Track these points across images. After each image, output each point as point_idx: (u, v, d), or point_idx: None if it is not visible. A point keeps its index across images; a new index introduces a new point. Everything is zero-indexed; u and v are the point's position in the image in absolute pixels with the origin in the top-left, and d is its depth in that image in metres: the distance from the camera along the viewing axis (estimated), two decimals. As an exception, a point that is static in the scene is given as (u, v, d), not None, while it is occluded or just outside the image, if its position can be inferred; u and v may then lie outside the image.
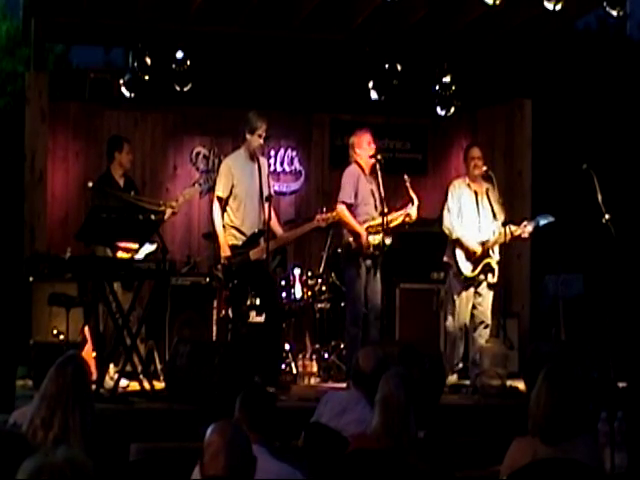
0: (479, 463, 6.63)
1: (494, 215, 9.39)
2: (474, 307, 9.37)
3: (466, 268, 9.29)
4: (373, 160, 9.21)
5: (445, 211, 9.43)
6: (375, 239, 9.11)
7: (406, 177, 9.22)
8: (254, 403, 4.36)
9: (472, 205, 9.40)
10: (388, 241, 9.10)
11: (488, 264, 9.31)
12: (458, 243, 9.32)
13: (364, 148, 9.26)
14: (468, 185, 9.44)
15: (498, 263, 9.39)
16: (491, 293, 9.40)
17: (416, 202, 9.21)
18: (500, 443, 4.93)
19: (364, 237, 9.11)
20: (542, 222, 9.36)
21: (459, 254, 9.30)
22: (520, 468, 4.43)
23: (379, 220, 9.07)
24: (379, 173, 9.14)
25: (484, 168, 9.39)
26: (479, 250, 9.28)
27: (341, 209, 9.23)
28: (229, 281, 8.81)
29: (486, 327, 9.39)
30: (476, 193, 9.42)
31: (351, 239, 9.22)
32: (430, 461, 4.70)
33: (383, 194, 9.16)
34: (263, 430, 4.26)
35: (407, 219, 9.28)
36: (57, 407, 4.33)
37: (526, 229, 9.35)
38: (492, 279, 9.35)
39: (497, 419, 7.91)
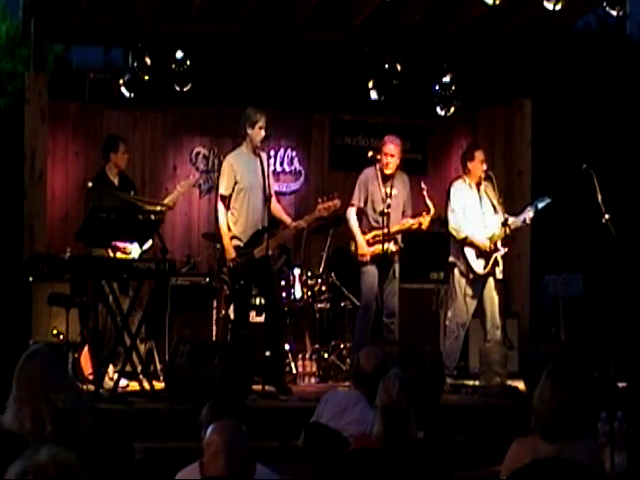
0: (479, 463, 6.64)
1: (494, 209, 9.40)
2: (483, 309, 9.32)
3: (478, 266, 9.22)
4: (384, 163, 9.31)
5: (449, 213, 9.38)
6: (380, 248, 9.17)
7: (423, 185, 9.30)
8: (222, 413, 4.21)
9: (475, 204, 9.38)
10: (394, 247, 9.18)
11: (496, 258, 9.28)
12: (467, 242, 9.27)
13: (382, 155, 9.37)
14: (469, 185, 9.43)
15: (503, 257, 9.37)
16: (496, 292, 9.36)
17: (432, 211, 9.29)
18: (500, 443, 4.93)
19: (361, 248, 9.22)
20: (540, 205, 9.37)
21: (469, 253, 9.24)
22: (520, 468, 4.43)
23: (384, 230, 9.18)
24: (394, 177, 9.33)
25: (484, 168, 9.41)
26: (488, 245, 9.26)
27: (349, 211, 9.31)
28: (235, 283, 8.79)
29: (497, 329, 9.26)
30: (478, 191, 9.41)
31: (352, 244, 9.38)
32: (430, 461, 4.70)
33: (405, 197, 9.37)
34: None
35: (416, 227, 9.36)
36: (39, 402, 3.99)
37: (528, 215, 9.36)
38: (499, 274, 9.32)
39: (497, 419, 7.91)
